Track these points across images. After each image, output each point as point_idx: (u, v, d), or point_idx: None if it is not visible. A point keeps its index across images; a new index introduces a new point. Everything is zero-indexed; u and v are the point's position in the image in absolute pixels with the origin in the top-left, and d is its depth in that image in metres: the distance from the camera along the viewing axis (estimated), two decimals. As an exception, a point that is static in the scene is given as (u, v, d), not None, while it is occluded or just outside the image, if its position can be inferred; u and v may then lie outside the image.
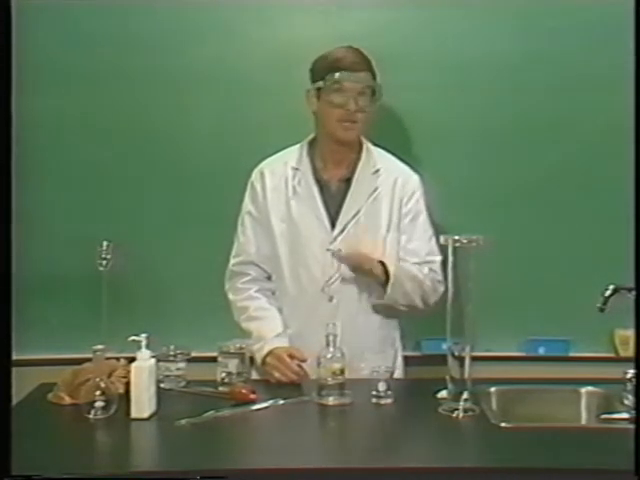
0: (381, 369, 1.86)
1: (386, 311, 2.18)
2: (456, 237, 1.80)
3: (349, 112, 2.08)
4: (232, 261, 2.23)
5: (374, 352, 2.14)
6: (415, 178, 2.22)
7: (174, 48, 2.53)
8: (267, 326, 2.14)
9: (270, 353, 2.06)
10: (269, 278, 2.22)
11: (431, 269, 2.16)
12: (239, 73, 2.53)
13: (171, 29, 2.53)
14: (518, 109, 2.54)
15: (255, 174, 2.23)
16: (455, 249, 1.80)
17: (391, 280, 2.09)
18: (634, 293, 1.82)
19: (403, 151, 2.33)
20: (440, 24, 2.53)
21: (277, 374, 2.02)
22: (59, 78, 2.53)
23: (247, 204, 2.22)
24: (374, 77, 2.12)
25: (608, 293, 1.99)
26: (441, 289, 2.12)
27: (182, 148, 2.56)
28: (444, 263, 2.07)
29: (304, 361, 2.01)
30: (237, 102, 2.54)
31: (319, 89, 2.11)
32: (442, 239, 1.84)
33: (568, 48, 2.51)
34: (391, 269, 2.09)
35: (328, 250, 2.13)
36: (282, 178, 2.19)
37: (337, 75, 2.07)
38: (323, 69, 2.10)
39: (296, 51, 2.27)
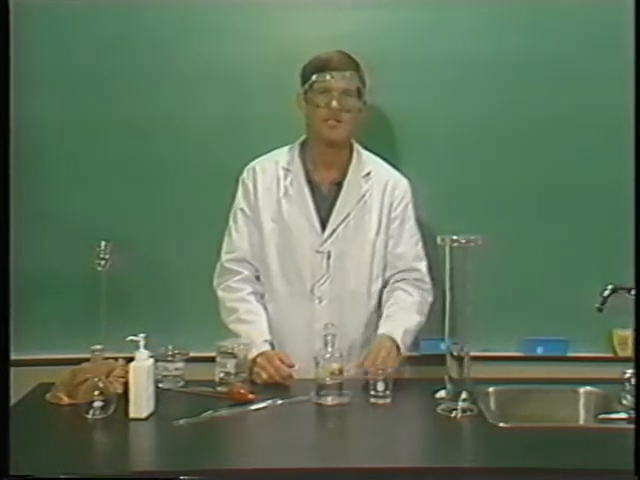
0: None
1: (376, 314, 2.19)
2: (454, 237, 1.80)
3: (333, 111, 2.08)
4: (224, 257, 2.22)
5: (359, 350, 2.13)
6: (404, 182, 2.24)
7: (176, 47, 2.52)
8: (256, 330, 2.13)
9: (261, 354, 2.06)
10: (259, 278, 2.22)
11: (418, 279, 2.19)
12: (244, 72, 2.52)
13: (172, 28, 2.52)
14: (517, 108, 2.53)
15: (247, 172, 2.23)
16: (453, 249, 1.80)
17: (403, 352, 2.07)
18: (634, 293, 1.82)
19: (400, 151, 2.34)
20: (440, 24, 2.52)
21: (265, 375, 2.02)
22: (60, 77, 2.51)
23: (239, 201, 2.22)
24: (361, 79, 2.12)
25: (607, 293, 1.99)
26: (430, 299, 2.19)
27: (185, 147, 2.55)
28: (433, 266, 2.10)
29: (292, 367, 2.02)
30: (240, 101, 2.53)
31: (306, 92, 2.12)
32: (440, 239, 1.83)
33: (568, 47, 2.50)
34: (401, 345, 2.06)
35: (318, 252, 2.13)
36: (274, 178, 2.19)
37: (320, 75, 2.08)
38: (310, 72, 2.12)
39: (297, 50, 2.26)
